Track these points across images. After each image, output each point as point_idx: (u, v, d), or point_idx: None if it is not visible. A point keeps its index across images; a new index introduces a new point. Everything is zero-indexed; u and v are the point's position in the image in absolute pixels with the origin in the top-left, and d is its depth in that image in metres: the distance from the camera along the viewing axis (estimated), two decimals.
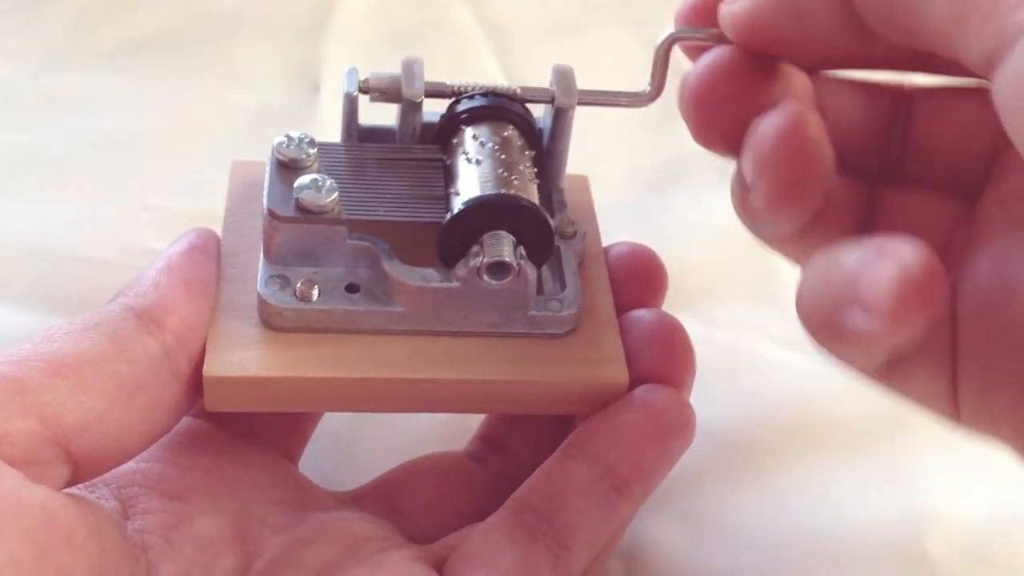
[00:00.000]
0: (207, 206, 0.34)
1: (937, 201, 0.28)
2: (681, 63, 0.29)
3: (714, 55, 0.27)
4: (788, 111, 0.25)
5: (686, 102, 0.27)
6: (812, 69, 0.28)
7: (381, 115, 0.33)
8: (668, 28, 0.29)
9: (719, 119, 0.27)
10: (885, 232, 0.23)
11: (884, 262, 0.22)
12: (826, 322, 0.24)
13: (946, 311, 0.25)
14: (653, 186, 0.47)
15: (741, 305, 0.42)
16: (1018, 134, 0.21)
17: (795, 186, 0.25)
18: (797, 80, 0.27)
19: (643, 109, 0.33)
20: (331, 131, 0.33)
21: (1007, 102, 0.21)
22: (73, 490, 0.28)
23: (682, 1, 0.29)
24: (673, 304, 0.33)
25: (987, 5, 0.21)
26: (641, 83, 0.31)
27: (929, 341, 0.25)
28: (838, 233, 0.26)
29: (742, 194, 0.27)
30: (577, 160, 0.35)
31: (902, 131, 0.29)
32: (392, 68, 0.32)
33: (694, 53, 0.28)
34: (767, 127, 0.25)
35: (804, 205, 0.26)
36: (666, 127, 0.48)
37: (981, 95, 0.22)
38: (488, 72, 0.52)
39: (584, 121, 0.34)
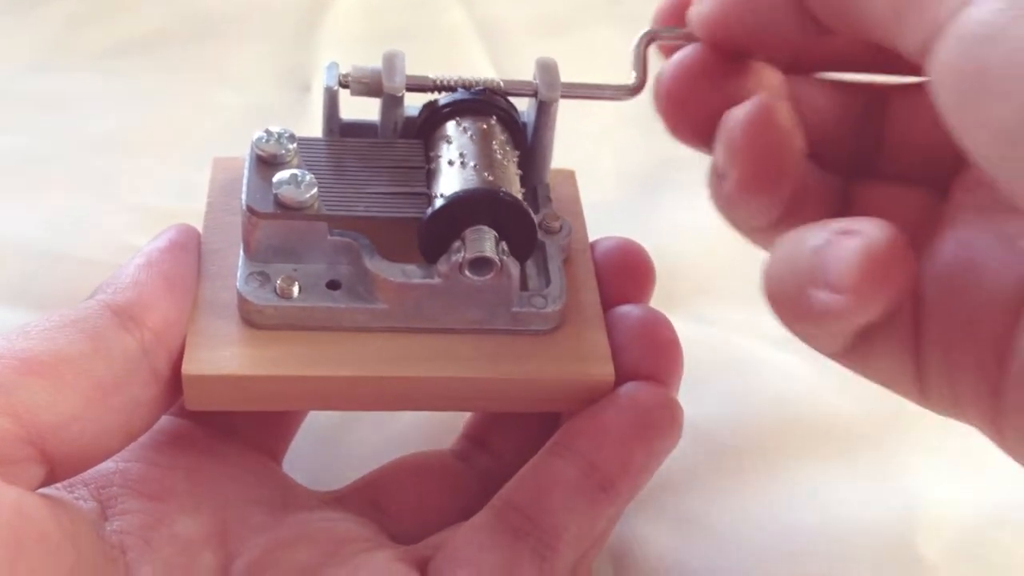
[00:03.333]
0: (194, 205, 0.34)
1: (910, 193, 0.29)
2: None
3: (684, 53, 0.28)
4: (757, 101, 0.26)
5: (659, 98, 0.28)
6: (782, 67, 0.29)
7: (366, 110, 0.33)
8: (645, 28, 0.30)
9: (690, 113, 0.28)
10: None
11: (849, 239, 0.23)
12: (792, 301, 0.24)
13: (911, 292, 0.26)
14: (643, 184, 0.47)
15: (731, 303, 0.41)
16: (951, 118, 0.22)
17: (765, 173, 0.26)
18: (768, 76, 0.28)
19: (635, 106, 0.33)
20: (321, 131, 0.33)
21: (939, 88, 0.22)
22: (51, 490, 0.28)
23: (659, 2, 0.30)
24: (662, 302, 0.33)
25: None
26: (630, 80, 0.31)
27: (893, 322, 0.25)
28: None
29: (716, 183, 0.27)
30: (567, 158, 0.34)
31: (876, 127, 0.30)
32: (375, 63, 0.32)
33: (669, 52, 0.29)
34: (737, 116, 0.26)
35: (775, 192, 0.26)
36: (656, 125, 0.48)
37: None
38: (481, 72, 0.51)
39: (573, 119, 0.34)
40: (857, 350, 0.26)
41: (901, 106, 0.30)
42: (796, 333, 0.26)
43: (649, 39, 0.30)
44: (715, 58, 0.28)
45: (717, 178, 0.27)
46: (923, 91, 0.29)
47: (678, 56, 0.28)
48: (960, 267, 0.26)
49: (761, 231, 0.28)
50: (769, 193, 0.26)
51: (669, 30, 0.30)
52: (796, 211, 0.27)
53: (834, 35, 0.26)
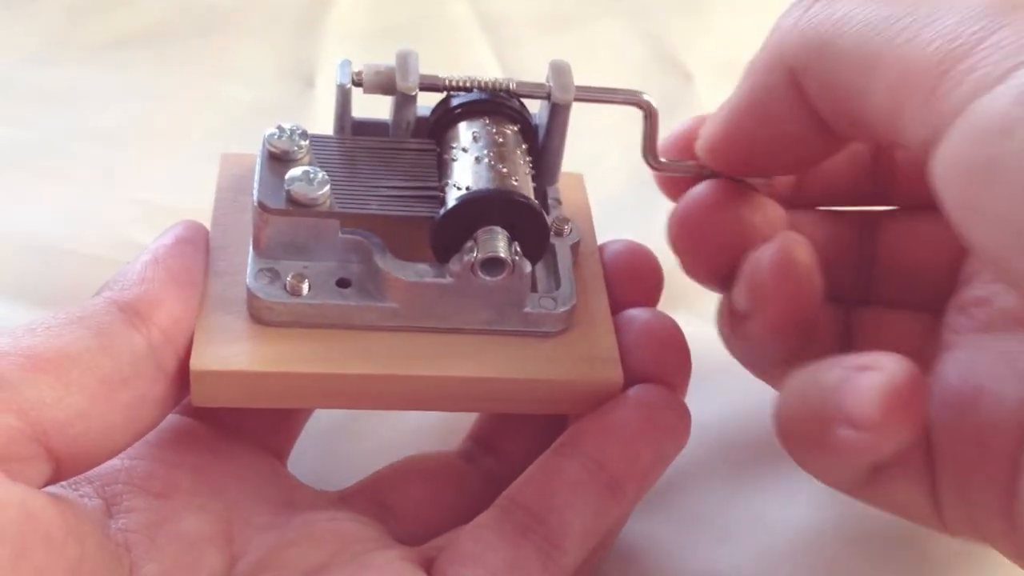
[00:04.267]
0: (199, 200, 0.34)
1: (907, 318, 0.30)
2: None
3: (697, 190, 0.29)
4: (781, 242, 0.27)
5: (674, 237, 0.29)
6: (783, 202, 0.30)
7: (376, 108, 0.33)
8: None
9: (707, 252, 0.29)
10: (862, 351, 0.24)
11: (868, 374, 0.23)
12: (808, 438, 0.25)
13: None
14: (650, 185, 0.46)
15: None
16: (957, 212, 0.22)
17: (793, 314, 0.27)
18: (775, 211, 0.29)
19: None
20: (325, 126, 0.33)
21: (945, 182, 0.22)
22: (55, 488, 0.27)
23: (664, 139, 0.31)
24: (669, 302, 0.33)
25: (925, 89, 0.22)
26: (638, 77, 0.31)
27: (906, 452, 0.25)
28: (823, 356, 0.27)
29: (734, 322, 0.28)
30: (574, 158, 0.34)
31: (870, 254, 0.31)
32: (387, 62, 0.32)
33: (671, 187, 0.31)
34: (763, 258, 0.27)
35: (802, 330, 0.27)
36: (666, 125, 0.48)
37: (937, 213, 0.23)
38: (485, 67, 0.52)
39: (583, 118, 0.34)
40: (872, 483, 0.27)
41: (893, 231, 0.31)
42: (810, 470, 0.26)
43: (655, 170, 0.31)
44: (727, 193, 0.28)
45: (735, 317, 0.27)
46: (910, 215, 0.31)
47: (692, 193, 0.29)
48: (965, 390, 0.26)
49: (772, 368, 0.28)
50: (795, 334, 0.27)
51: (675, 164, 0.31)
52: (807, 343, 0.27)
53: (840, 143, 0.26)
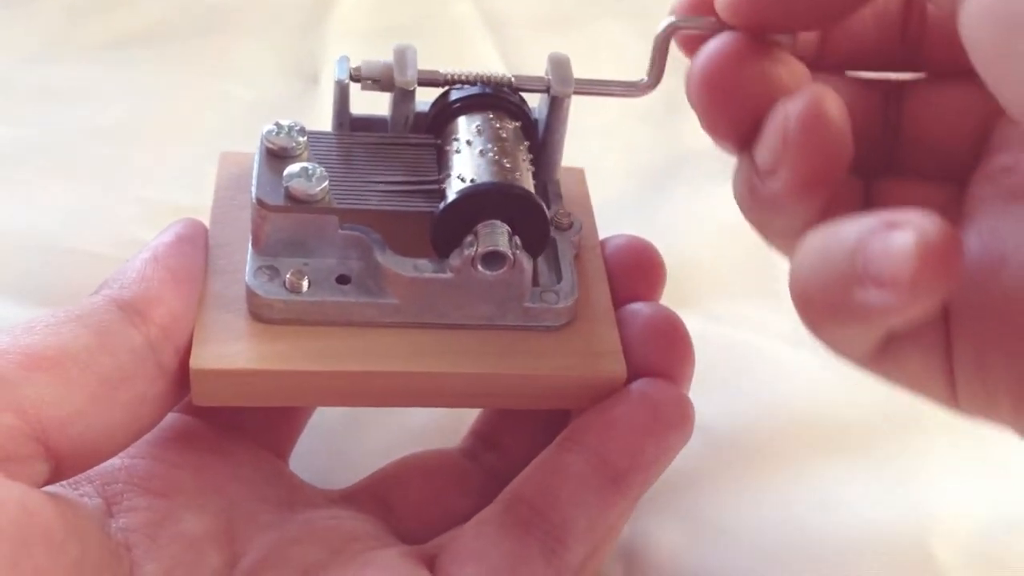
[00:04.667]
0: (201, 199, 0.34)
1: (930, 189, 0.28)
2: (679, 58, 0.28)
3: (720, 40, 0.27)
4: (812, 92, 0.25)
5: (696, 88, 0.27)
6: (807, 62, 0.28)
7: (375, 104, 0.33)
8: (667, 18, 0.29)
9: (731, 104, 0.26)
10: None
11: (899, 232, 0.21)
12: (826, 300, 0.23)
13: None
14: (653, 180, 0.46)
15: (742, 300, 0.41)
16: (985, 61, 0.21)
17: (822, 171, 0.25)
18: (800, 67, 0.27)
19: (644, 103, 0.32)
20: (329, 125, 0.33)
21: (970, 29, 0.21)
22: (55, 487, 0.27)
23: None
24: (672, 299, 0.33)
25: None
26: (639, 75, 0.31)
27: (922, 323, 0.24)
28: None
29: (755, 184, 0.26)
30: (576, 154, 0.34)
31: (894, 123, 0.29)
32: (386, 58, 0.32)
33: (690, 46, 0.28)
34: (793, 108, 0.25)
35: (826, 191, 0.25)
36: (666, 120, 0.48)
37: (966, 81, 0.21)
38: (487, 66, 0.51)
39: (583, 114, 0.33)
40: (885, 355, 0.25)
41: (918, 100, 0.29)
42: (823, 337, 0.25)
43: (671, 31, 0.29)
44: (750, 45, 0.26)
45: (757, 177, 0.26)
46: (936, 83, 0.29)
47: (712, 44, 0.27)
48: (986, 258, 0.25)
49: (789, 236, 0.26)
50: (821, 194, 0.25)
51: (694, 20, 0.28)
52: (826, 212, 0.25)
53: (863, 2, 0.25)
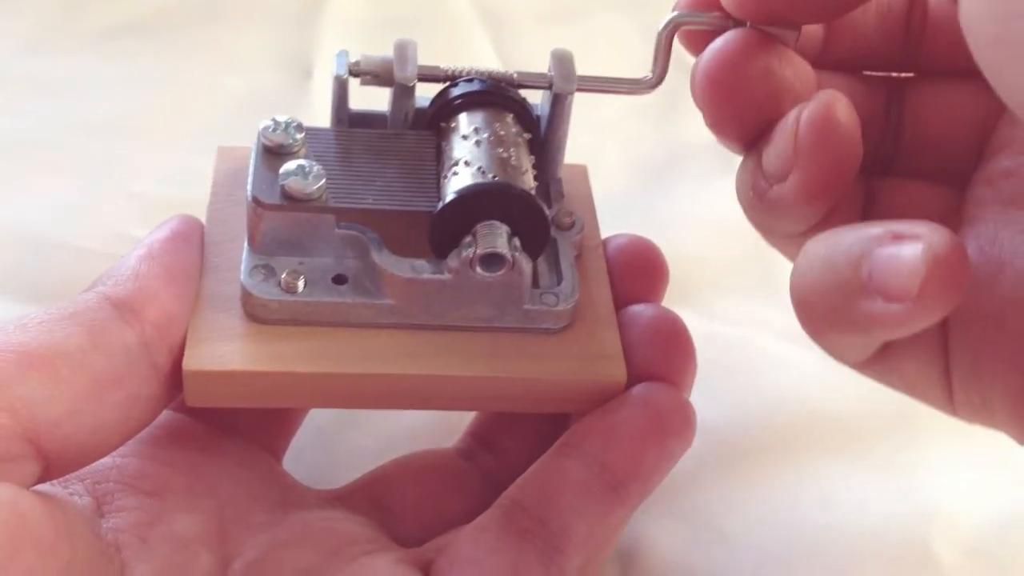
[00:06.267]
0: (194, 193, 0.33)
1: (930, 190, 0.28)
2: (682, 54, 0.28)
3: (726, 38, 0.26)
4: (825, 99, 0.25)
5: (701, 86, 0.27)
6: (811, 61, 0.28)
7: (374, 100, 0.32)
8: (670, 14, 0.28)
9: (736, 103, 0.26)
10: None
11: (907, 244, 0.21)
12: (828, 309, 0.23)
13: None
14: (654, 177, 0.46)
15: (743, 299, 0.41)
16: (985, 52, 0.21)
17: (833, 177, 0.25)
18: (805, 68, 0.27)
19: (645, 99, 0.32)
20: (323, 118, 0.33)
21: (969, 19, 0.20)
22: (45, 486, 0.27)
23: None
24: (673, 298, 0.33)
25: None
26: (640, 71, 0.31)
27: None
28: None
29: (759, 186, 0.26)
30: (577, 150, 0.34)
31: (895, 122, 0.29)
32: (386, 53, 0.31)
33: (695, 43, 0.28)
34: (808, 114, 0.25)
35: (835, 197, 0.25)
36: (667, 117, 0.48)
37: (968, 81, 0.21)
38: (485, 59, 0.51)
39: (583, 111, 0.33)
40: (882, 360, 0.26)
41: (920, 99, 0.29)
42: (822, 343, 0.25)
43: (674, 26, 0.28)
44: (756, 44, 0.26)
45: (764, 181, 0.26)
46: (938, 83, 0.29)
47: (718, 42, 0.26)
48: (984, 263, 0.25)
49: (792, 237, 0.27)
50: (830, 200, 0.25)
51: (699, 15, 0.28)
52: (830, 213, 0.26)
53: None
